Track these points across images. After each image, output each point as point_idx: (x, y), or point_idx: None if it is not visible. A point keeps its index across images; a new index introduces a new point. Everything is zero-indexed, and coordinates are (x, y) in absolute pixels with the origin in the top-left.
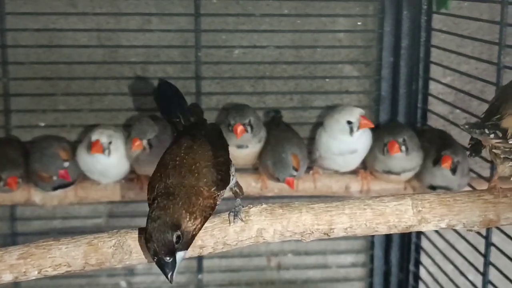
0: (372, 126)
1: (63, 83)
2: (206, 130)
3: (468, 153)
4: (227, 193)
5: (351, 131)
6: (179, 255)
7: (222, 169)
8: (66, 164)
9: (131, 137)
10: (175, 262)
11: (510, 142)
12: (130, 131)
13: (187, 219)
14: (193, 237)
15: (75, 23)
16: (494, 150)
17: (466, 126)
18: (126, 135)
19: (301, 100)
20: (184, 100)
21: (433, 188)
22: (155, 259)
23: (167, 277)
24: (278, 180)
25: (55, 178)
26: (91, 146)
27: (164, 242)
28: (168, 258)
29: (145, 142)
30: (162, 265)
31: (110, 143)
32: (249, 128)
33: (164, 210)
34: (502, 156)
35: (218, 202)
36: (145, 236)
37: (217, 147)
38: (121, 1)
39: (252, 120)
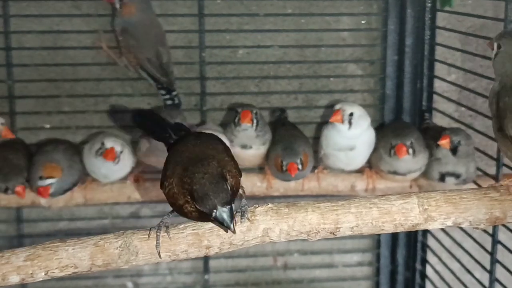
0: (340, 121)
1: (68, 84)
2: (205, 136)
3: None
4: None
5: (350, 124)
6: (232, 206)
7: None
8: (50, 181)
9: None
10: (233, 211)
11: None
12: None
13: (228, 174)
14: (235, 191)
15: (79, 24)
16: None
17: None
18: (129, 138)
19: (305, 99)
20: (163, 118)
21: (442, 177)
22: (213, 213)
23: (229, 227)
24: (281, 167)
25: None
26: (105, 153)
27: (222, 191)
28: (228, 207)
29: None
30: (222, 216)
31: (121, 152)
32: (254, 121)
33: (205, 168)
34: None
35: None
36: (196, 196)
37: (218, 148)
38: None
39: (258, 115)
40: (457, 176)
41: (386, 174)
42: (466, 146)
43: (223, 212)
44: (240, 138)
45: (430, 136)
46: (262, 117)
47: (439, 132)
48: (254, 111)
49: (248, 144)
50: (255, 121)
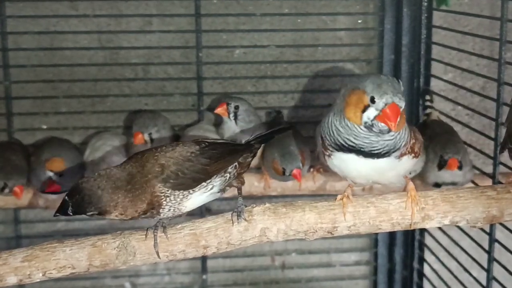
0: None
1: (65, 85)
2: (225, 144)
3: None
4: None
5: None
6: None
7: (188, 173)
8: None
9: (133, 131)
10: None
11: None
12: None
13: (116, 210)
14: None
15: (75, 25)
16: None
17: None
18: (126, 139)
19: (302, 99)
20: None
21: (438, 185)
22: (65, 198)
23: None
24: (283, 173)
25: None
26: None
27: (79, 204)
28: (70, 210)
29: (146, 135)
30: (64, 205)
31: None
32: (232, 113)
33: (113, 191)
34: None
35: (164, 202)
36: (80, 180)
37: (212, 157)
38: (122, 3)
39: (242, 109)
40: (453, 184)
41: None
42: (465, 156)
43: (66, 206)
44: (226, 133)
45: (428, 136)
46: (249, 112)
47: (435, 130)
48: (234, 104)
49: (236, 140)
50: (232, 113)
